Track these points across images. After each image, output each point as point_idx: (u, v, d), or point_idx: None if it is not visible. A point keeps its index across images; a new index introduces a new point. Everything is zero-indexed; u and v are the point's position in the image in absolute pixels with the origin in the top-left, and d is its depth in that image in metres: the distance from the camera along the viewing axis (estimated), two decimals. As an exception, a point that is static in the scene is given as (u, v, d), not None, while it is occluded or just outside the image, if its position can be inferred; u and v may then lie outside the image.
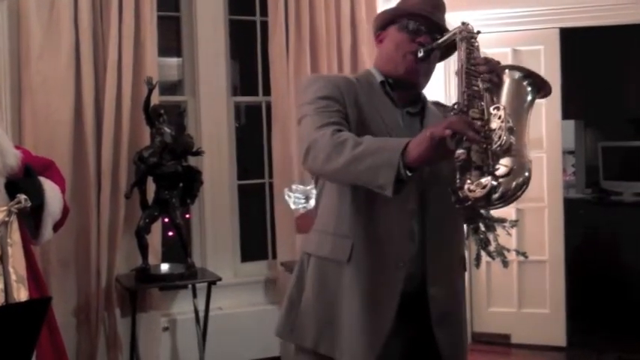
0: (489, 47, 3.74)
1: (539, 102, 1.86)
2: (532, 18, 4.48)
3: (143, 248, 3.64)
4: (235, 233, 4.34)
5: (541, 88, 1.76)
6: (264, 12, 4.30)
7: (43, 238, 2.46)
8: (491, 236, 3.58)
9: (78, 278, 3.68)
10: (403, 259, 1.82)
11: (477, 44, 1.75)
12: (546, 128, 4.52)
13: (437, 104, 2.06)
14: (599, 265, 5.29)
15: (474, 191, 1.53)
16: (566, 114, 4.85)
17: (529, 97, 1.74)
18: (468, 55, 1.72)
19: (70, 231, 3.55)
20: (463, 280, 2.07)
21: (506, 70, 1.75)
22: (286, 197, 3.86)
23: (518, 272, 4.63)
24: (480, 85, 1.65)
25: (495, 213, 3.66)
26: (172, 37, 4.51)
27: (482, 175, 1.53)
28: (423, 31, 1.90)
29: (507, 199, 1.55)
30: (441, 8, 1.98)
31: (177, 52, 4.47)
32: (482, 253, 3.62)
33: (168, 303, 4.05)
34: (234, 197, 4.34)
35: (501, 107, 1.60)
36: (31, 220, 2.42)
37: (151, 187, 3.72)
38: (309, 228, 3.67)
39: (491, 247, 3.59)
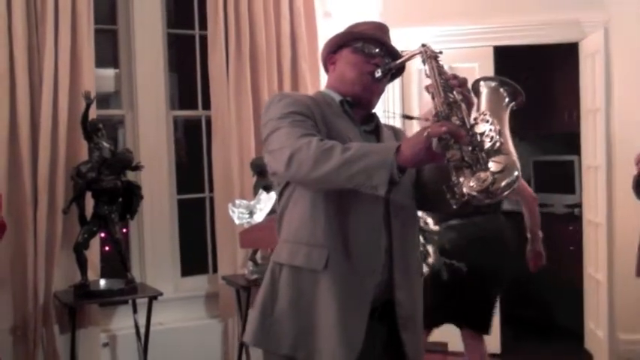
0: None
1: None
2: (467, 36, 4.63)
3: (82, 264, 3.59)
4: (175, 247, 4.30)
5: (516, 95, 1.92)
6: (203, 26, 4.28)
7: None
8: (430, 249, 3.66)
9: (15, 295, 3.60)
10: (374, 267, 1.91)
11: (441, 62, 1.86)
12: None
13: (384, 125, 2.16)
14: (531, 274, 5.46)
15: (473, 186, 1.63)
16: (500, 128, 5.00)
17: (506, 102, 1.91)
18: (439, 71, 1.83)
19: (6, 248, 3.48)
20: (421, 285, 2.16)
21: (482, 82, 1.91)
22: (230, 212, 3.86)
23: (455, 282, 4.72)
24: (457, 96, 1.76)
25: (434, 227, 3.75)
26: (109, 47, 4.46)
27: (475, 173, 1.64)
28: (378, 53, 2.01)
29: (501, 193, 1.66)
30: (388, 33, 2.10)
31: (113, 62, 4.40)
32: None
33: (108, 319, 3.99)
34: (173, 211, 4.30)
35: (487, 112, 1.73)
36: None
37: (89, 202, 3.66)
38: (253, 243, 3.72)
39: (430, 260, 3.67)
